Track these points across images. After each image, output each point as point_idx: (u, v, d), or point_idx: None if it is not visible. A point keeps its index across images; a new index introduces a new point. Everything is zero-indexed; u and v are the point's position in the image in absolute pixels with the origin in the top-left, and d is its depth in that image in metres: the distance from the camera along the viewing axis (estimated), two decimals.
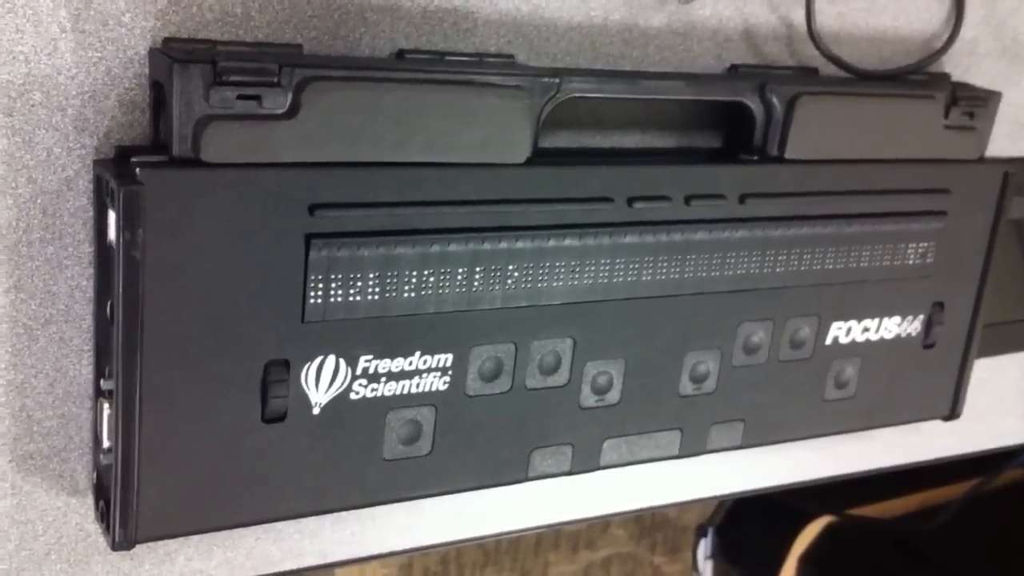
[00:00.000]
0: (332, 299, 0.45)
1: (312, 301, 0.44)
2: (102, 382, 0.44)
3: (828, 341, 0.59)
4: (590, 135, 0.54)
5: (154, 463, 0.43)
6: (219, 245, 0.42)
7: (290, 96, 0.42)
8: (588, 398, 0.53)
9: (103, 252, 0.43)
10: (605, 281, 0.51)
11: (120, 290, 0.41)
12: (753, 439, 0.59)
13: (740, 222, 0.53)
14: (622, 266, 0.51)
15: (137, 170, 0.40)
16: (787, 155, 0.54)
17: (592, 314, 0.51)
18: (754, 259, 0.55)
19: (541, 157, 0.48)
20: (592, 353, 0.52)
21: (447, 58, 0.48)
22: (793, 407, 0.60)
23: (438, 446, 0.49)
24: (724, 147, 0.57)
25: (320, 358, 0.45)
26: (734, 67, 0.55)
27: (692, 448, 0.57)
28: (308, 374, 0.45)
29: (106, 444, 0.45)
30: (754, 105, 0.53)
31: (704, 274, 0.53)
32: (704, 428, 0.57)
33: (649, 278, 0.52)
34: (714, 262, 0.54)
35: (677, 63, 0.54)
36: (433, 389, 0.48)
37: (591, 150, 0.54)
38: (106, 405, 0.44)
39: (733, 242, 0.54)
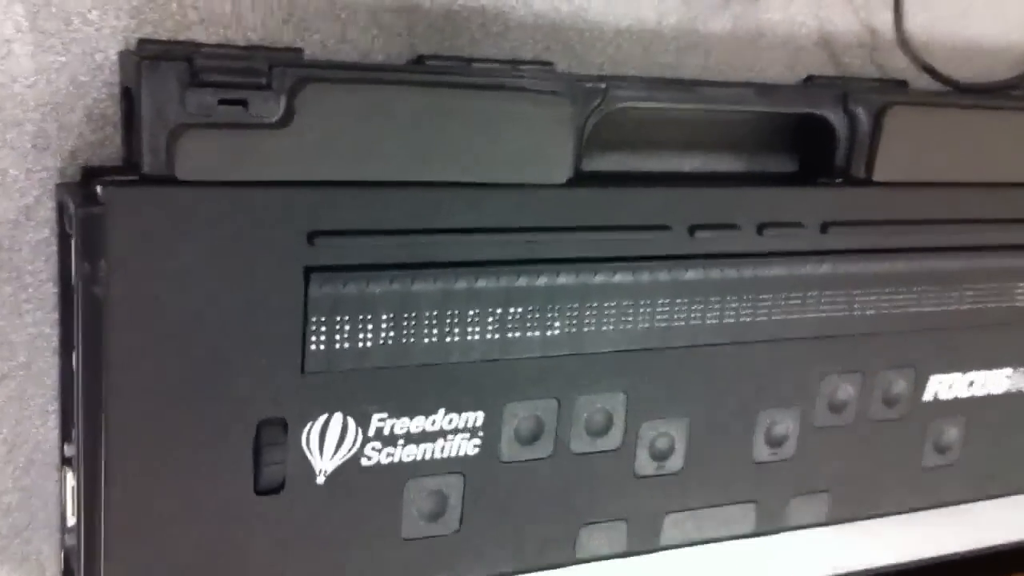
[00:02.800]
0: (337, 345, 0.37)
1: (313, 348, 0.37)
2: (66, 447, 0.37)
3: (927, 397, 0.50)
4: (643, 158, 0.46)
5: (124, 544, 0.36)
6: (199, 280, 0.35)
7: (283, 101, 0.35)
8: (645, 465, 0.45)
9: (68, 293, 0.37)
10: (663, 325, 0.43)
11: (80, 334, 0.34)
12: (840, 514, 0.50)
13: (822, 255, 0.45)
14: (683, 307, 0.43)
15: (98, 189, 0.33)
16: (875, 177, 0.46)
17: (648, 365, 0.43)
18: (839, 300, 0.47)
19: (585, 180, 0.41)
20: (649, 411, 0.44)
21: (474, 65, 0.41)
22: (886, 476, 0.51)
23: (468, 522, 0.42)
24: (801, 170, 0.49)
25: (324, 416, 0.38)
26: (810, 78, 0.48)
27: (769, 524, 0.49)
28: (310, 436, 0.38)
29: (71, 521, 0.38)
30: (835, 119, 0.46)
31: (780, 317, 0.45)
32: (783, 500, 0.49)
33: (715, 322, 0.44)
34: (792, 303, 0.46)
35: (743, 74, 0.47)
36: (461, 454, 0.41)
37: (644, 174, 0.46)
38: (70, 475, 0.37)
39: (814, 279, 0.46)
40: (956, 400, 0.51)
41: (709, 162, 0.48)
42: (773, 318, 0.45)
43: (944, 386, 0.51)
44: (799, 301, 0.46)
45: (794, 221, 0.45)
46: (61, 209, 0.36)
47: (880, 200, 0.47)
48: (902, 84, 0.50)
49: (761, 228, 0.44)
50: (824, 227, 0.45)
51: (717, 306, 0.44)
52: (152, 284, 0.34)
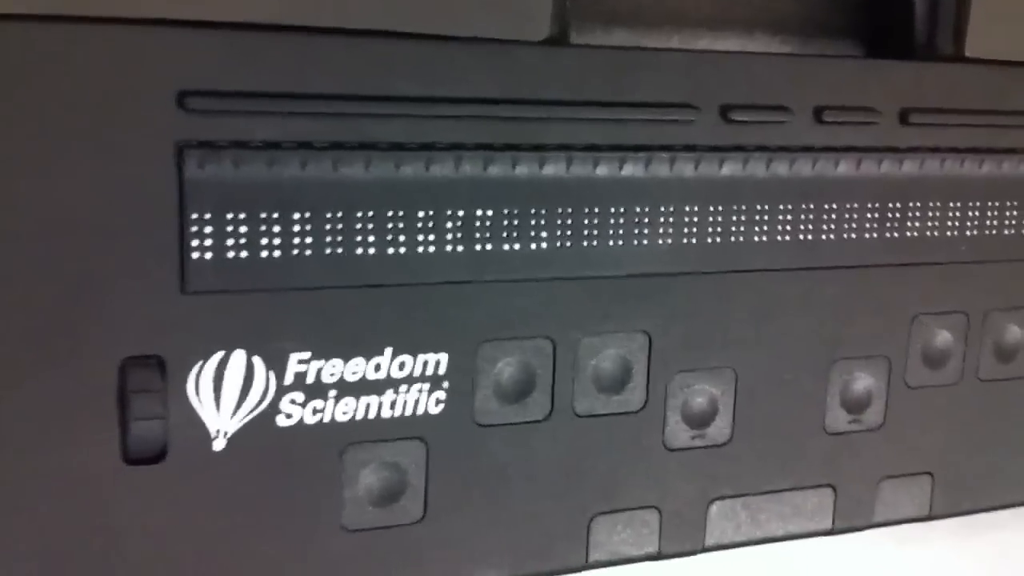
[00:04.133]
0: (231, 254, 0.27)
1: (196, 257, 0.27)
2: None
3: None
4: (657, 37, 0.36)
5: None
6: (27, 156, 0.25)
7: None
8: (679, 433, 0.34)
9: None
10: (694, 243, 0.32)
11: None
12: (947, 504, 0.38)
13: (902, 152, 0.34)
14: (720, 218, 0.32)
15: None
16: (967, 52, 0.35)
17: (677, 296, 0.32)
18: (930, 214, 0.35)
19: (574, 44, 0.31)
20: (681, 359, 0.33)
21: None
22: (1006, 455, 0.39)
23: (435, 508, 0.31)
24: (869, 50, 0.38)
25: (219, 355, 0.28)
26: None
27: (852, 517, 0.37)
28: (200, 382, 0.28)
29: None
30: None
31: (853, 235, 0.34)
32: (869, 485, 0.37)
33: (765, 240, 0.33)
34: (867, 216, 0.34)
35: None
36: (419, 412, 0.30)
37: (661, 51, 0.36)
38: None
39: (894, 184, 0.34)
40: None
41: (745, 45, 0.37)
42: (844, 237, 0.34)
43: None
44: (877, 214, 0.35)
45: (863, 105, 0.34)
46: None
47: (976, 80, 0.35)
48: None
49: (820, 112, 0.33)
50: (904, 115, 0.34)
51: (767, 217, 0.33)
52: None
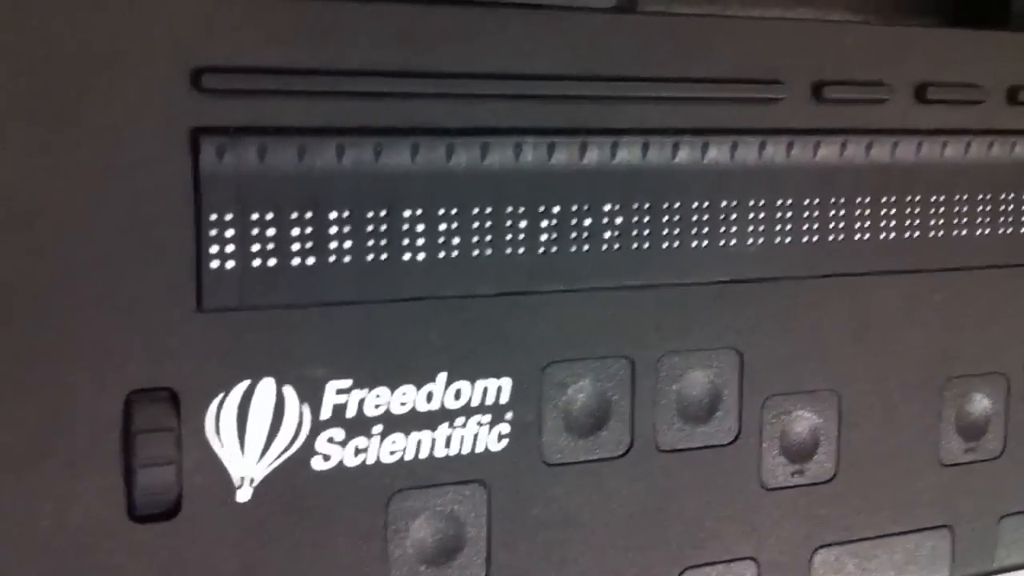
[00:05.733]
0: (256, 262, 0.23)
1: (215, 266, 0.22)
2: None
3: None
4: (734, 6, 0.32)
5: None
6: (11, 146, 0.21)
7: None
8: (776, 470, 0.29)
9: None
10: (787, 241, 0.28)
11: None
12: None
13: (1013, 135, 0.30)
14: (816, 212, 0.28)
15: None
16: None
17: (770, 306, 0.28)
18: None
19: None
20: (775, 380, 0.28)
21: None
22: None
23: (498, 565, 0.26)
24: (953, 21, 0.34)
25: (243, 385, 0.23)
26: None
27: (971, 562, 0.32)
28: (221, 419, 0.23)
29: None
30: None
31: (963, 232, 0.30)
32: (988, 525, 0.32)
33: (866, 237, 0.29)
34: (977, 210, 0.30)
35: None
36: (479, 450, 0.25)
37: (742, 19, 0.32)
38: None
39: (1006, 171, 0.30)
40: None
41: (821, 15, 0.33)
42: (953, 234, 0.30)
43: None
44: (987, 207, 0.30)
45: (969, 81, 0.30)
46: None
47: None
48: None
49: (922, 90, 0.29)
50: (1013, 92, 0.30)
51: (867, 212, 0.29)
52: None
